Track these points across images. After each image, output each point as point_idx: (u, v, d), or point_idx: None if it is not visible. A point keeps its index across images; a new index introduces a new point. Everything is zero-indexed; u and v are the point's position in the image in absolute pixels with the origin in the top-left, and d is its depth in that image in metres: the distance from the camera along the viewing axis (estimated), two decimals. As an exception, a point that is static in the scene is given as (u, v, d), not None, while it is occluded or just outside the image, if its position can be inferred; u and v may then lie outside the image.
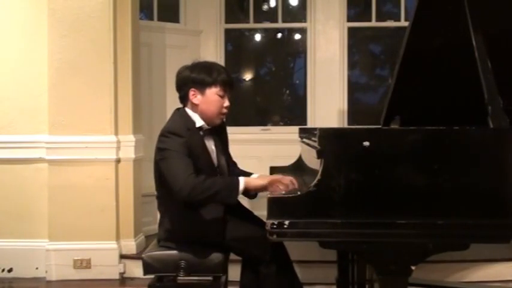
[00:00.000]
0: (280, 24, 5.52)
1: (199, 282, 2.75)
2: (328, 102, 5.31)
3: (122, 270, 4.09)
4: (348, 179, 2.12)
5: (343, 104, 5.35)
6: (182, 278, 2.67)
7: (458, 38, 2.56)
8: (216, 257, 2.66)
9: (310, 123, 5.27)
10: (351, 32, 5.41)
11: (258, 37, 5.75)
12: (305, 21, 5.42)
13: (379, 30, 5.58)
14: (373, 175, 2.14)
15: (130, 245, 4.16)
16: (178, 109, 2.78)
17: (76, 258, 4.04)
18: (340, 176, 2.12)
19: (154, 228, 4.45)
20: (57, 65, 4.02)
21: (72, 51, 4.01)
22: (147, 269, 2.69)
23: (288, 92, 6.02)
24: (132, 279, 4.07)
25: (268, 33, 5.75)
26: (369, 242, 2.15)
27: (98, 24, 4.00)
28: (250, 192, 2.62)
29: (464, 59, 2.47)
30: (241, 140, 4.55)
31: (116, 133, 4.08)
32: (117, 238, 4.10)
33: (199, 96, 2.66)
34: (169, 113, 4.71)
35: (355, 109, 5.49)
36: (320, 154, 2.15)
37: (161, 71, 4.94)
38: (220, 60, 5.35)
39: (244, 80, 5.82)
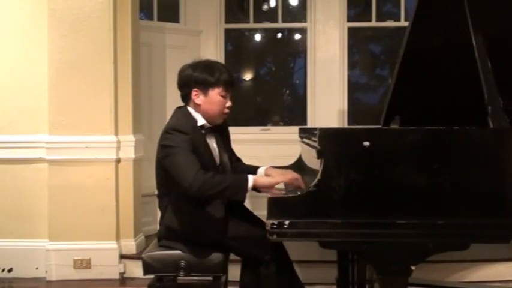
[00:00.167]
0: (280, 24, 5.52)
1: (199, 282, 2.74)
2: (328, 102, 5.31)
3: (121, 270, 4.09)
4: (348, 179, 2.12)
5: (343, 104, 5.35)
6: (182, 278, 2.67)
7: (458, 38, 2.56)
8: (216, 257, 2.66)
9: (310, 123, 5.26)
10: (351, 32, 5.41)
11: (258, 37, 5.75)
12: (305, 21, 5.42)
13: (379, 30, 5.58)
14: (373, 175, 2.14)
15: (130, 245, 4.16)
16: (179, 107, 2.78)
17: (76, 258, 4.04)
18: (340, 176, 2.12)
19: (154, 228, 4.46)
20: (57, 65, 4.02)
21: (72, 51, 4.01)
22: (147, 269, 2.69)
23: (288, 92, 6.02)
24: (132, 279, 4.07)
25: (268, 33, 5.75)
26: (369, 242, 2.15)
27: (98, 24, 4.00)
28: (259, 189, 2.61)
29: (464, 59, 2.47)
30: (241, 140, 4.53)
31: (116, 133, 4.08)
32: (117, 238, 4.10)
33: (202, 97, 2.67)
34: (169, 113, 4.70)
35: (355, 109, 5.49)
36: (320, 154, 2.15)
37: (161, 71, 4.94)
38: (220, 60, 5.34)
39: (244, 80, 5.82)
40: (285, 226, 2.12)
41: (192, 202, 2.55)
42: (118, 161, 4.10)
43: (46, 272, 4.07)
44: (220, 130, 2.80)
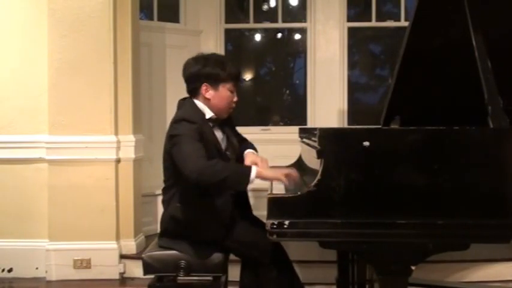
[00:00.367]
0: (280, 24, 5.52)
1: (199, 282, 2.74)
2: (328, 102, 5.31)
3: (121, 270, 4.09)
4: (348, 179, 2.12)
5: (343, 104, 5.35)
6: (182, 278, 2.67)
7: (458, 38, 2.56)
8: (216, 257, 2.66)
9: (310, 123, 5.27)
10: (351, 32, 5.41)
11: (258, 37, 5.75)
12: (305, 21, 5.43)
13: (379, 30, 5.58)
14: (373, 175, 2.14)
15: (130, 245, 4.16)
16: (184, 99, 2.79)
17: (76, 258, 4.04)
18: (340, 176, 2.12)
19: (154, 228, 4.47)
20: (57, 65, 4.02)
21: (72, 51, 4.01)
22: (147, 269, 2.70)
23: (288, 92, 6.03)
24: (132, 279, 4.07)
25: (268, 33, 5.75)
26: (369, 242, 2.15)
27: (98, 24, 4.00)
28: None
29: (464, 59, 2.47)
30: (241, 140, 4.55)
31: (116, 133, 4.08)
32: (117, 238, 4.10)
33: (211, 91, 2.68)
34: (169, 113, 4.71)
35: (355, 109, 5.49)
36: (320, 154, 2.15)
37: (161, 71, 4.94)
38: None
39: (244, 80, 5.81)
40: (285, 226, 2.12)
41: (199, 196, 2.55)
42: (118, 161, 4.10)
43: (46, 272, 4.07)
44: (225, 122, 2.81)
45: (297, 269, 2.88)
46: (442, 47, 2.83)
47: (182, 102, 2.78)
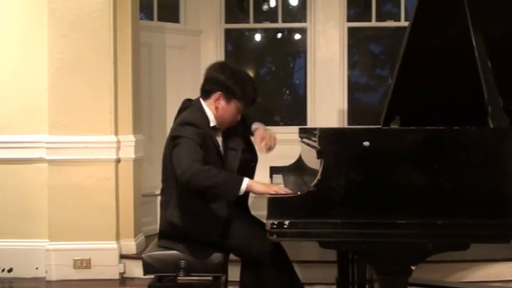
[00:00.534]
0: (280, 24, 5.52)
1: (199, 282, 2.74)
2: (328, 102, 5.31)
3: (122, 270, 4.09)
4: (348, 179, 2.12)
5: (343, 104, 5.35)
6: (182, 278, 2.67)
7: (458, 38, 2.56)
8: (216, 257, 2.66)
9: (310, 123, 5.26)
10: (351, 32, 5.41)
11: (258, 37, 5.75)
12: (305, 21, 5.42)
13: (379, 30, 5.58)
14: (373, 175, 2.14)
15: (130, 245, 4.16)
16: (189, 100, 2.79)
17: (76, 258, 4.04)
18: (340, 176, 2.12)
19: (154, 228, 4.46)
20: (57, 65, 4.02)
21: (72, 51, 4.01)
22: (147, 269, 2.70)
23: (288, 92, 6.02)
24: (132, 279, 4.07)
25: (268, 33, 5.75)
26: (369, 242, 2.15)
27: (98, 24, 4.00)
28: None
29: (464, 59, 2.47)
30: (241, 140, 4.55)
31: (116, 133, 4.08)
32: (117, 238, 4.10)
33: (222, 103, 2.69)
34: (169, 113, 4.70)
35: (355, 109, 5.49)
36: (320, 154, 2.15)
37: (161, 71, 4.94)
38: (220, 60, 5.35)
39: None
40: (285, 226, 2.12)
41: (195, 197, 2.56)
42: (118, 161, 4.10)
43: (46, 272, 4.07)
44: (226, 130, 2.82)
45: (297, 269, 2.88)
46: (442, 47, 2.83)
47: (188, 103, 2.78)
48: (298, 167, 3.16)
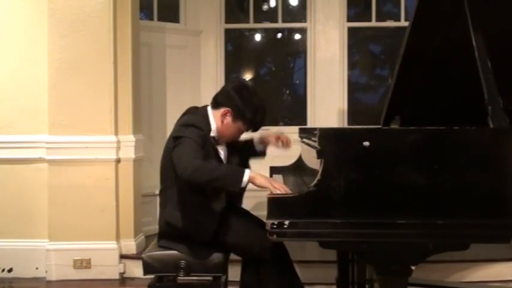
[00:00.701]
0: (280, 24, 5.52)
1: (199, 282, 2.75)
2: (328, 102, 5.31)
3: (122, 270, 4.09)
4: (348, 179, 2.12)
5: (343, 104, 5.35)
6: (182, 278, 2.67)
7: (458, 38, 2.56)
8: (216, 257, 2.66)
9: (310, 123, 5.26)
10: (351, 32, 5.41)
11: (258, 37, 5.75)
12: (305, 21, 5.42)
13: (379, 30, 5.58)
14: (373, 175, 2.14)
15: (130, 245, 4.16)
16: (196, 108, 2.80)
17: (76, 258, 4.04)
18: (340, 176, 2.12)
19: (154, 228, 4.45)
20: (57, 65, 4.02)
21: (72, 51, 4.00)
22: (147, 269, 2.70)
23: (288, 92, 6.02)
24: (132, 279, 4.06)
25: (268, 33, 5.75)
26: (369, 242, 2.15)
27: (98, 24, 4.00)
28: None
29: (464, 59, 2.47)
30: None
31: (116, 133, 4.08)
32: (117, 238, 4.10)
33: (229, 119, 2.69)
34: (169, 113, 4.70)
35: (355, 109, 5.49)
36: (320, 154, 2.15)
37: (161, 71, 4.94)
38: (220, 60, 5.36)
39: (244, 80, 5.81)
40: (285, 226, 2.12)
41: (194, 197, 2.57)
42: (118, 161, 4.10)
43: (46, 272, 4.07)
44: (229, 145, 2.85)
45: (297, 269, 2.88)
46: (442, 47, 2.83)
47: (194, 110, 2.78)
48: (298, 167, 3.16)
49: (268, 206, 2.15)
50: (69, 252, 4.03)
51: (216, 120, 2.71)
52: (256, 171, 2.62)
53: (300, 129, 3.54)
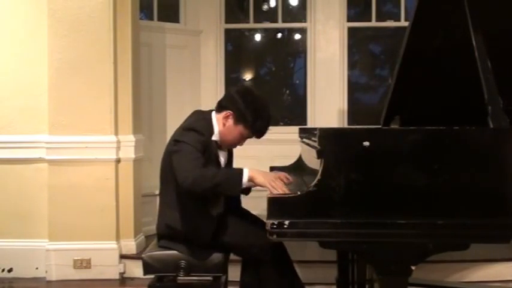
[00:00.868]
0: (280, 24, 5.52)
1: (199, 282, 2.74)
2: (328, 102, 5.31)
3: (122, 270, 4.09)
4: (348, 179, 2.12)
5: (343, 104, 5.35)
6: (182, 278, 2.67)
7: (458, 38, 2.56)
8: (216, 257, 2.66)
9: (310, 123, 5.26)
10: (351, 32, 5.41)
11: (258, 37, 5.75)
12: (305, 21, 5.42)
13: (379, 30, 5.58)
14: (373, 175, 2.14)
15: (130, 245, 4.16)
16: (201, 111, 2.80)
17: (76, 258, 4.04)
18: (340, 176, 2.12)
19: (154, 228, 4.45)
20: (57, 65, 4.02)
21: (72, 51, 4.00)
22: (147, 269, 2.70)
23: (288, 92, 6.03)
24: (132, 279, 4.06)
25: (268, 33, 5.75)
26: (369, 242, 2.15)
27: (98, 24, 4.00)
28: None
29: (464, 59, 2.47)
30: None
31: (116, 133, 4.08)
32: (117, 238, 4.10)
33: (230, 122, 2.67)
34: (169, 113, 4.70)
35: (355, 109, 5.49)
36: (320, 154, 2.16)
37: (161, 71, 4.94)
38: (220, 60, 5.36)
39: (244, 80, 5.82)
40: (285, 226, 2.12)
41: (190, 199, 2.56)
42: (118, 161, 4.10)
43: (46, 272, 4.07)
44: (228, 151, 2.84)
45: (297, 269, 2.88)
46: (442, 47, 2.83)
47: (199, 114, 2.77)
48: (298, 167, 3.16)
49: (268, 206, 2.15)
50: (69, 252, 4.03)
51: (218, 123, 2.70)
52: (255, 168, 2.63)
53: (300, 129, 3.54)
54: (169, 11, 5.15)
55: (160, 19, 5.00)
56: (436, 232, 2.13)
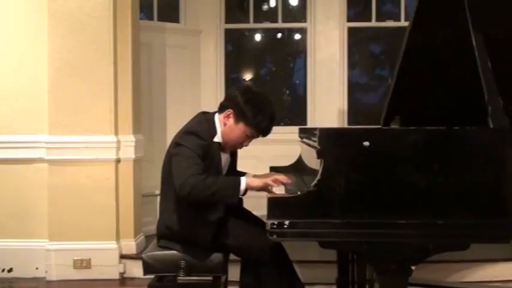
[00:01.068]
0: (280, 24, 5.52)
1: (199, 282, 2.75)
2: (328, 102, 5.31)
3: (122, 270, 4.09)
4: (348, 179, 2.12)
5: (343, 104, 5.35)
6: (182, 278, 2.67)
7: (458, 38, 2.56)
8: (216, 257, 2.66)
9: (310, 123, 5.26)
10: (351, 32, 5.41)
11: (258, 37, 5.75)
12: (305, 21, 5.42)
13: (379, 30, 5.58)
14: (373, 175, 2.14)
15: (130, 245, 4.16)
16: (204, 113, 2.78)
17: (76, 258, 4.04)
18: (340, 176, 2.12)
19: (154, 228, 4.45)
20: (57, 65, 4.02)
21: (72, 51, 4.00)
22: (147, 269, 2.70)
23: (288, 92, 6.03)
24: (132, 279, 4.06)
25: (268, 33, 5.75)
26: (369, 242, 2.15)
27: (98, 24, 4.00)
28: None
29: (465, 59, 2.47)
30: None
31: (116, 133, 4.08)
32: (117, 238, 4.10)
33: (231, 121, 2.64)
34: (169, 113, 4.70)
35: (355, 109, 5.50)
36: (320, 154, 2.16)
37: (161, 71, 4.94)
38: (220, 60, 5.36)
39: (244, 80, 5.82)
40: (285, 226, 2.12)
41: (190, 205, 2.56)
42: (118, 161, 4.10)
43: (46, 272, 4.07)
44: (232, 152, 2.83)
45: (297, 269, 2.88)
46: (442, 47, 2.83)
47: (202, 116, 2.74)
48: (298, 167, 3.16)
49: (268, 206, 2.15)
50: (69, 252, 4.03)
51: (220, 124, 2.67)
52: (250, 174, 2.62)
53: (300, 129, 3.54)
54: (169, 11, 5.15)
55: (160, 19, 5.00)
56: (436, 232, 2.13)
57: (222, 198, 2.51)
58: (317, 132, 2.19)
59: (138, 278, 3.88)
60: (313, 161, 2.42)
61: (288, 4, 5.51)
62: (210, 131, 2.64)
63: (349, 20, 5.39)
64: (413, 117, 2.96)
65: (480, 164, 2.16)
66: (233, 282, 2.95)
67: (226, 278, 2.90)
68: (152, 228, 4.39)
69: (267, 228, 2.13)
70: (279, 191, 2.46)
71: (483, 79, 2.34)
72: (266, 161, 3.92)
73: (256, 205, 2.98)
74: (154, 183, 4.00)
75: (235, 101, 2.63)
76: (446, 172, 2.13)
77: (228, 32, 5.47)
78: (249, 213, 2.87)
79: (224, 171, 2.74)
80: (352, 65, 5.56)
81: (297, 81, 5.96)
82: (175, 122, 4.46)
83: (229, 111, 2.64)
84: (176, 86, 5.01)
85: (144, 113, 4.62)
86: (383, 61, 6.08)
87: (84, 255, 4.03)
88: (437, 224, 2.12)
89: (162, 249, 2.71)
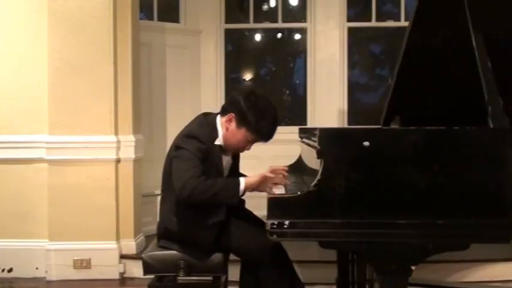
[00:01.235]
0: (280, 24, 5.52)
1: (199, 282, 2.74)
2: (328, 102, 5.31)
3: (122, 270, 4.09)
4: (348, 179, 2.12)
5: (343, 104, 5.35)
6: (182, 278, 2.67)
7: (458, 38, 2.56)
8: (216, 257, 2.66)
9: (310, 123, 5.26)
10: (351, 32, 5.41)
11: (258, 37, 5.75)
12: (305, 21, 5.43)
13: (379, 30, 5.58)
14: (373, 175, 2.14)
15: (130, 245, 4.16)
16: (205, 114, 2.77)
17: (76, 258, 4.04)
18: (340, 176, 2.12)
19: (154, 228, 4.44)
20: (57, 65, 4.02)
21: (72, 51, 4.00)
22: (147, 269, 2.70)
23: (288, 92, 6.03)
24: (132, 279, 4.06)
25: (268, 33, 5.75)
26: (369, 242, 2.15)
27: (98, 24, 4.00)
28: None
29: (464, 59, 2.47)
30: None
31: (116, 133, 4.08)
32: (117, 238, 4.10)
33: (233, 125, 2.62)
34: (169, 113, 4.70)
35: (355, 109, 5.50)
36: (320, 154, 2.16)
37: (161, 71, 4.94)
38: (220, 60, 5.36)
39: (244, 80, 5.82)
40: (285, 226, 2.12)
41: (190, 208, 2.55)
42: (118, 161, 4.09)
43: (46, 272, 4.07)
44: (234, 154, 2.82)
45: (297, 269, 2.88)
46: (442, 47, 2.83)
47: (203, 118, 2.73)
48: (298, 167, 3.16)
49: (268, 206, 2.15)
50: (69, 252, 4.03)
51: (222, 127, 2.65)
52: (249, 175, 2.62)
53: (300, 129, 3.54)
54: (169, 11, 5.15)
55: (160, 19, 5.00)
56: (436, 232, 2.13)
57: (221, 199, 2.51)
58: (317, 132, 2.20)
59: (138, 278, 3.88)
60: (313, 161, 2.42)
61: (288, 4, 5.51)
62: (211, 134, 2.63)
63: (349, 20, 5.39)
64: (413, 117, 2.96)
65: (480, 164, 2.16)
66: (233, 282, 2.95)
67: (226, 278, 2.90)
68: (152, 228, 4.40)
69: (267, 228, 2.13)
70: (279, 190, 2.46)
71: (483, 79, 2.34)
72: (266, 161, 3.92)
73: (256, 205, 2.98)
74: (154, 183, 4.01)
75: (238, 106, 2.61)
76: (446, 172, 2.13)
77: (228, 32, 5.47)
78: (250, 213, 2.87)
79: (226, 174, 2.73)
80: (352, 65, 5.56)
81: (297, 81, 5.97)
82: (175, 122, 4.47)
83: (231, 115, 2.62)
84: (176, 86, 5.01)
85: (144, 113, 4.61)
86: (383, 61, 6.08)
87: (84, 255, 4.03)
88: (437, 224, 2.12)
89: (162, 249, 2.70)
